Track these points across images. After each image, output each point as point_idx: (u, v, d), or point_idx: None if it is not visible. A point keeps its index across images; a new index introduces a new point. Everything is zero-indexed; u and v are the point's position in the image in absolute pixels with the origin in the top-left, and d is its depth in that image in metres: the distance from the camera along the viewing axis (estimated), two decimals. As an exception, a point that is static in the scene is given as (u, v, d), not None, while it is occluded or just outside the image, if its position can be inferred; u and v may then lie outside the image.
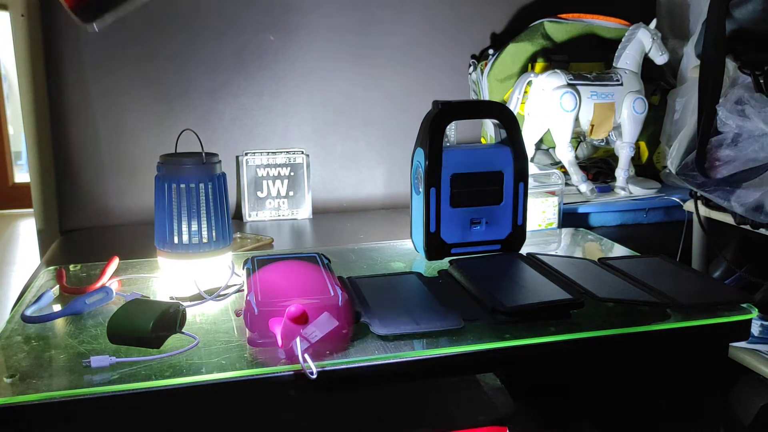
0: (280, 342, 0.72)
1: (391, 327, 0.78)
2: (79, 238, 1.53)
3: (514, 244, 1.07)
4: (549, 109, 1.52)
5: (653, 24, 1.63)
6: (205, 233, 0.98)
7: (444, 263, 1.02)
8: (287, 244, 1.42)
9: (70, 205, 1.60)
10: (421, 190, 1.03)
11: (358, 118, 1.74)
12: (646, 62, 1.61)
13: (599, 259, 1.02)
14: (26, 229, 3.35)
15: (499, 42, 1.80)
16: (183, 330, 0.78)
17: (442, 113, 1.01)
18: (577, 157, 1.61)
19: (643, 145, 1.73)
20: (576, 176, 1.56)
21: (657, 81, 1.75)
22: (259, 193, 1.57)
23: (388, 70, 1.75)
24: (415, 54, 1.77)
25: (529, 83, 1.57)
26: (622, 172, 1.58)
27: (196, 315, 0.85)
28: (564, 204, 1.34)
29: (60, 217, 1.61)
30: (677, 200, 1.49)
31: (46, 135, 1.66)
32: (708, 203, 1.31)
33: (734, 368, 1.21)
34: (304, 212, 1.60)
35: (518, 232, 1.07)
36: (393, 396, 0.92)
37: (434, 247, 1.03)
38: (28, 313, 0.83)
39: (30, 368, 0.70)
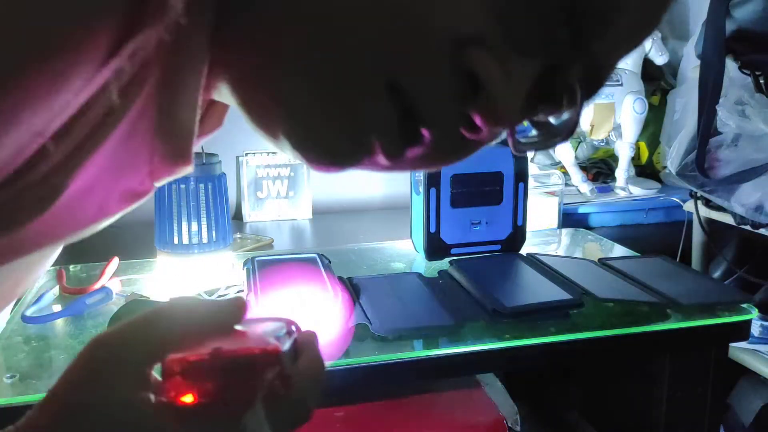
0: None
1: (391, 327, 0.78)
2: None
3: (514, 245, 1.07)
4: (549, 110, 1.52)
5: (653, 24, 1.63)
6: (205, 233, 0.98)
7: (444, 263, 1.02)
8: (287, 245, 1.42)
9: (70, 205, 1.59)
10: (421, 190, 1.03)
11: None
12: (646, 62, 1.61)
13: (599, 259, 1.02)
14: (26, 229, 3.35)
15: (499, 42, 1.80)
16: (183, 330, 0.78)
17: (442, 113, 1.01)
18: (577, 157, 1.61)
19: (643, 145, 1.73)
20: (576, 176, 1.56)
21: (657, 81, 1.75)
22: (259, 194, 1.57)
23: (388, 70, 1.75)
24: (415, 54, 1.77)
25: (529, 83, 1.57)
26: (622, 172, 1.58)
27: (196, 315, 0.85)
28: (564, 204, 1.34)
29: (60, 218, 1.61)
30: (677, 200, 1.49)
31: (46, 135, 1.65)
32: (708, 203, 1.31)
33: (734, 368, 1.21)
34: (304, 212, 1.60)
35: (518, 233, 1.07)
36: (393, 396, 0.92)
37: (434, 247, 1.03)
38: (28, 313, 0.83)
39: (30, 368, 0.70)
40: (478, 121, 0.32)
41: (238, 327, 0.34)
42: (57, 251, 0.42)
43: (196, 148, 0.42)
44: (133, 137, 0.34)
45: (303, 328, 0.36)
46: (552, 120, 0.36)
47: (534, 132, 0.36)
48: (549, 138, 0.36)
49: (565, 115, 0.35)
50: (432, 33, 0.30)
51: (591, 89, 0.34)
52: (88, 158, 0.31)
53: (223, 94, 0.36)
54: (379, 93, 0.31)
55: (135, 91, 0.31)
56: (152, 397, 0.29)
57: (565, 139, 0.36)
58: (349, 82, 0.31)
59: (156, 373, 0.30)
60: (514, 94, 0.31)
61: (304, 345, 0.34)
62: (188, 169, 0.38)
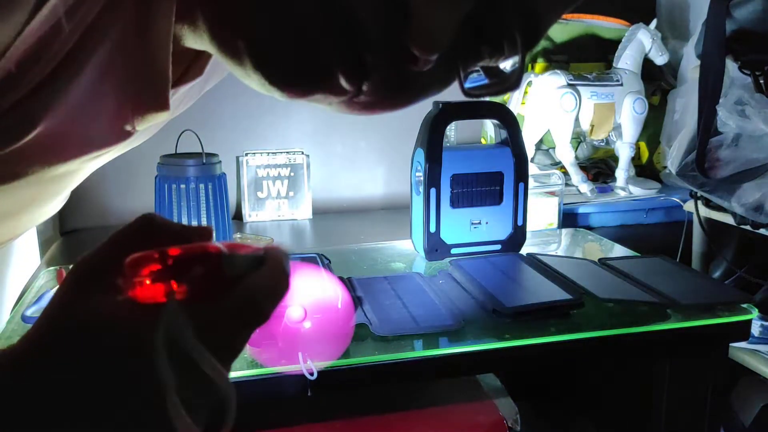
0: (280, 342, 0.72)
1: (391, 327, 0.78)
2: (79, 238, 1.53)
3: (514, 245, 1.07)
4: (549, 109, 1.52)
5: (653, 24, 1.63)
6: (205, 233, 0.98)
7: (444, 263, 1.02)
8: (287, 245, 1.42)
9: (70, 205, 1.59)
10: (421, 190, 1.03)
11: (358, 119, 1.74)
12: (646, 62, 1.61)
13: (599, 259, 1.02)
14: (26, 229, 3.35)
15: (499, 42, 1.80)
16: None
17: (442, 113, 1.01)
18: (577, 158, 1.61)
19: (643, 145, 1.73)
20: (576, 176, 1.56)
21: (657, 81, 1.75)
22: (259, 194, 1.57)
23: (388, 70, 1.75)
24: (415, 54, 1.76)
25: (529, 83, 1.57)
26: (622, 172, 1.58)
27: (196, 315, 0.85)
28: (564, 204, 1.34)
29: (60, 218, 1.61)
30: (677, 200, 1.49)
31: (46, 135, 1.65)
32: (708, 203, 1.31)
33: (734, 368, 1.21)
34: (304, 212, 1.60)
35: (518, 233, 1.07)
36: (393, 396, 0.92)
37: (434, 247, 1.03)
38: (28, 313, 0.83)
39: (30, 368, 0.70)
40: (414, 49, 0.35)
41: None
42: (51, 203, 0.45)
43: (179, 96, 0.45)
44: (108, 80, 0.37)
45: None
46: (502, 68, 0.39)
47: (486, 80, 0.40)
48: (499, 84, 0.40)
49: (512, 65, 0.38)
50: None
51: (530, 38, 0.37)
52: (61, 93, 0.34)
53: (199, 36, 0.39)
54: (330, 17, 0.34)
55: (100, 31, 0.34)
56: (118, 299, 0.31)
57: (514, 85, 0.39)
58: (302, 10, 0.34)
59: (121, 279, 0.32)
60: (442, 22, 0.34)
61: (269, 258, 0.35)
62: (167, 114, 0.41)
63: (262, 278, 0.34)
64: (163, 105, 0.40)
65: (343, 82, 0.36)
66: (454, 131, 1.80)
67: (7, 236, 0.46)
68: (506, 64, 0.38)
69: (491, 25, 0.36)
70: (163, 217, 0.35)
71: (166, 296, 0.31)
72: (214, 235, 0.36)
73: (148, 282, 0.31)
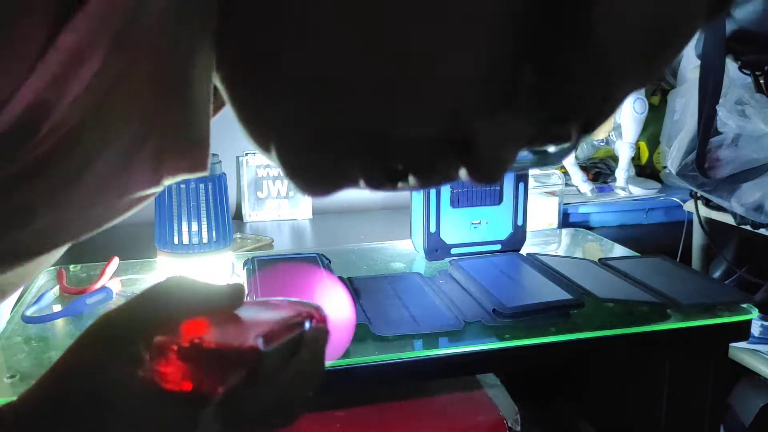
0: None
1: (391, 327, 0.78)
2: (79, 238, 1.52)
3: (514, 245, 1.07)
4: (549, 110, 1.52)
5: (653, 24, 1.63)
6: (205, 233, 0.98)
7: (444, 263, 1.02)
8: (287, 245, 1.42)
9: (70, 205, 1.59)
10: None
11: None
12: (646, 62, 1.61)
13: (599, 259, 1.02)
14: (26, 229, 3.34)
15: (499, 42, 1.80)
16: (183, 330, 0.78)
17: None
18: (577, 158, 1.61)
19: (643, 145, 1.73)
20: (576, 176, 1.56)
21: (657, 81, 1.75)
22: (259, 194, 1.57)
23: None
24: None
25: (529, 83, 1.56)
26: (622, 172, 1.58)
27: (196, 315, 0.84)
28: (564, 204, 1.34)
29: (60, 218, 1.61)
30: (677, 200, 1.49)
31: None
32: (708, 203, 1.31)
33: (734, 368, 1.21)
34: (304, 212, 1.59)
35: (518, 233, 1.07)
36: (392, 396, 0.92)
37: (434, 247, 1.03)
38: (28, 313, 0.83)
39: (30, 368, 0.70)
40: (463, 174, 0.32)
41: (246, 309, 0.34)
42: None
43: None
44: (138, 153, 0.33)
45: (321, 321, 0.35)
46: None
47: (530, 156, 0.36)
48: (544, 160, 0.36)
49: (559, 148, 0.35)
50: (431, 109, 0.30)
51: (587, 131, 0.34)
52: (66, 182, 0.30)
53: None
54: (369, 150, 0.31)
55: (113, 112, 0.30)
56: (140, 374, 0.30)
57: (557, 163, 0.37)
58: (342, 133, 0.31)
59: (147, 352, 0.31)
60: (504, 159, 0.32)
61: (309, 341, 0.33)
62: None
63: (297, 376, 0.32)
64: (201, 169, 0.37)
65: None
66: (454, 131, 1.79)
67: (33, 275, 0.44)
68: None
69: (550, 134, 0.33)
70: (191, 279, 0.33)
71: (197, 397, 0.30)
72: (245, 293, 0.34)
73: (174, 368, 0.30)
